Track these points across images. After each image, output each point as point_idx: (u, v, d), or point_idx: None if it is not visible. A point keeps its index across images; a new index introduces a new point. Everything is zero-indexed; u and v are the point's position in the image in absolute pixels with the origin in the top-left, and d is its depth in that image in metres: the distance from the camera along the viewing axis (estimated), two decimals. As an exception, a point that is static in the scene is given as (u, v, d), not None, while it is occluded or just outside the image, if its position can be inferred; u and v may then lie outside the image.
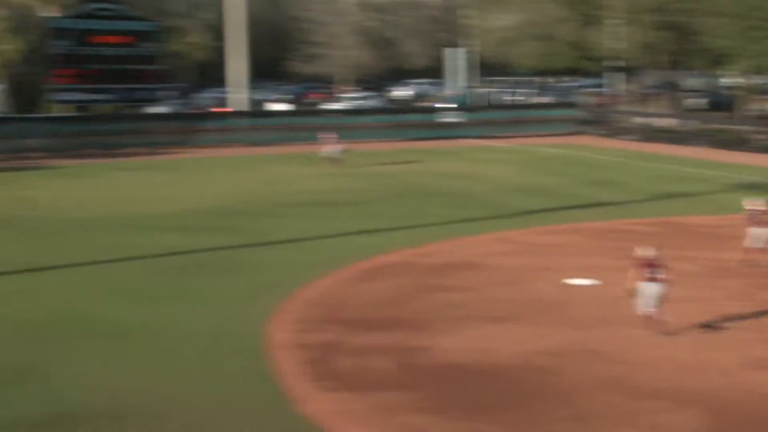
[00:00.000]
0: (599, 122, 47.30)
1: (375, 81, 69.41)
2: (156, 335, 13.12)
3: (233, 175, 32.20)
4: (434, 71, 63.90)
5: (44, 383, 11.19)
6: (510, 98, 58.40)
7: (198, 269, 17.29)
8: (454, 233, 20.68)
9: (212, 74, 62.03)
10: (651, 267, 12.47)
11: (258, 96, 59.93)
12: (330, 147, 34.09)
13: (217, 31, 57.53)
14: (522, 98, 58.71)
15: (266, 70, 67.58)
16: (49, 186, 29.09)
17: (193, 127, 42.48)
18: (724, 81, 57.64)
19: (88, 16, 42.04)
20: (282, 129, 43.67)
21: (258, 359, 12.07)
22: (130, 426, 9.95)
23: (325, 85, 66.13)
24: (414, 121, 47.24)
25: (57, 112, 43.34)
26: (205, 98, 56.71)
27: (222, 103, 50.91)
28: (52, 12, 44.54)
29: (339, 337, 12.93)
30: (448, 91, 52.25)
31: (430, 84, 65.41)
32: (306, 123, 40.66)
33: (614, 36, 51.75)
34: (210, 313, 14.21)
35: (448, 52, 53.56)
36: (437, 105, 49.87)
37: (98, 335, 13.15)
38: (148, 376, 11.45)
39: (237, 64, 46.23)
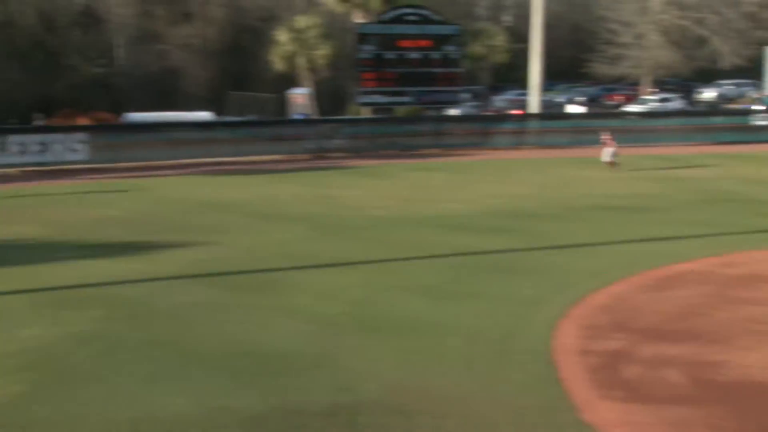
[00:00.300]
0: None
1: (679, 82, 66.63)
2: (445, 334, 13.30)
3: (524, 178, 32.14)
4: (746, 71, 60.29)
5: (335, 373, 11.67)
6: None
7: (487, 270, 17.37)
8: (761, 243, 19.32)
9: (507, 76, 62.40)
10: None
11: (556, 98, 59.53)
12: (608, 149, 33.17)
13: (515, 34, 57.76)
14: None
15: (565, 71, 66.97)
16: (349, 185, 30.48)
17: (487, 129, 42.90)
18: None
19: (395, 20, 43.61)
20: (575, 132, 43.04)
21: (543, 363, 11.89)
22: (413, 421, 10.13)
23: (628, 86, 64.34)
24: (720, 124, 44.81)
25: (359, 114, 45.43)
26: (499, 100, 57.13)
27: (517, 105, 51.06)
28: (361, 18, 46.68)
29: (628, 345, 12.45)
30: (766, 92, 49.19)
31: (737, 85, 61.79)
32: (600, 126, 39.77)
33: None
34: (497, 314, 14.21)
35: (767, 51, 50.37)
36: (752, 107, 47.02)
37: (390, 330, 13.54)
38: (434, 374, 11.62)
39: (534, 66, 46.13)
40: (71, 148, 33.88)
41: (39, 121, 43.49)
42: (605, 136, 34.18)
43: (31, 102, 49.16)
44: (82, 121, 43.06)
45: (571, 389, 10.91)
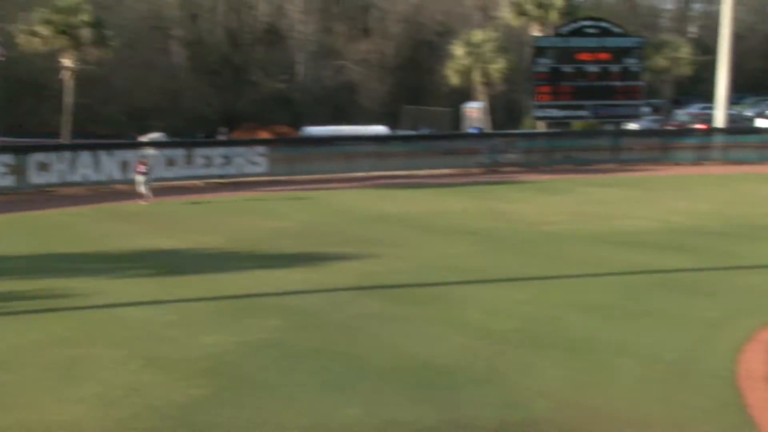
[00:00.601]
0: None
1: None
2: (619, 354, 12.87)
3: (708, 194, 30.82)
4: None
5: (505, 389, 11.49)
6: None
7: (665, 289, 16.73)
8: None
9: (690, 90, 60.22)
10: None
11: (745, 112, 56.92)
12: None
13: (700, 45, 55.68)
14: None
15: (755, 84, 64.00)
16: (522, 200, 30.12)
17: (668, 144, 41.48)
18: None
19: (574, 33, 42.88)
20: (762, 147, 40.99)
21: (727, 389, 11.30)
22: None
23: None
24: None
25: (532, 128, 44.91)
26: (682, 114, 55.19)
27: (702, 119, 49.14)
28: (538, 31, 46.20)
29: (821, 374, 11.67)
30: None
31: None
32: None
33: None
34: (676, 336, 13.64)
35: None
36: None
37: (562, 348, 13.23)
38: (607, 395, 11.25)
39: (721, 79, 44.31)
40: (252, 161, 35.06)
41: (222, 135, 45.29)
42: None
43: (217, 116, 51.31)
44: (263, 134, 44.54)
45: (758, 418, 10.30)
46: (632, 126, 45.83)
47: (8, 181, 30.55)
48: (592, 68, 42.81)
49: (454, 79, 46.66)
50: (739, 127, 46.46)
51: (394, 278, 17.83)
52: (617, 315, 14.98)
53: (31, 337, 13.69)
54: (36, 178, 31.16)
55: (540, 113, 43.63)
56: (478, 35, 46.15)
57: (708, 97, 49.48)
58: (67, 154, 32.02)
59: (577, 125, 45.43)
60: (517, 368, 12.32)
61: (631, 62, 42.99)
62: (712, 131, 43.45)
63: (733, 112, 48.36)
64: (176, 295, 16.29)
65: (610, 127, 44.07)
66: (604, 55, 42.88)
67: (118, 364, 12.50)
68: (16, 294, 16.37)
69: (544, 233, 23.28)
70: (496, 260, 19.85)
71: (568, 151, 40.78)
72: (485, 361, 12.68)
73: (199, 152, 34.63)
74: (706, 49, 52.47)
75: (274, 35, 60.12)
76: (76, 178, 31.88)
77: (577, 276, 18.03)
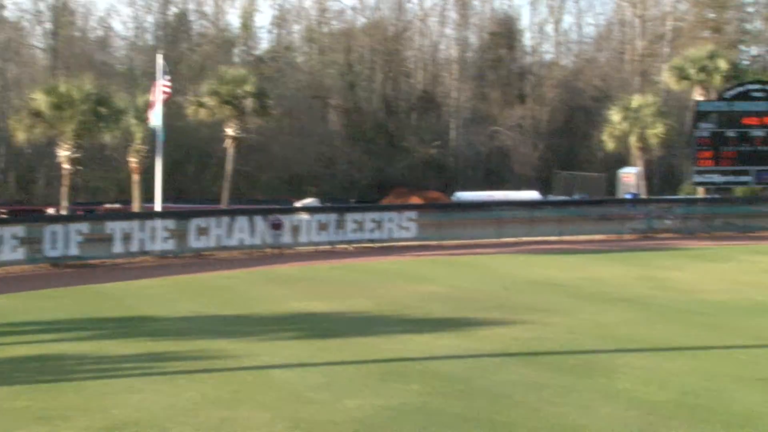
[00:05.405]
0: None
1: None
2: (781, 431, 12.13)
3: None
4: None
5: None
6: None
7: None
8: None
9: None
10: None
11: None
12: None
13: None
14: None
15: None
16: (680, 267, 29.12)
17: None
18: None
19: (738, 96, 41.66)
20: None
21: None
22: None
23: None
24: None
25: (693, 194, 43.58)
26: None
27: None
28: (700, 95, 45.11)
29: None
30: None
31: None
32: None
33: None
34: None
35: None
36: None
37: (722, 423, 12.57)
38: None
39: None
40: (402, 225, 35.43)
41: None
42: None
43: (369, 181, 52.25)
44: (414, 199, 44.97)
45: None
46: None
47: (170, 245, 31.91)
48: (758, 132, 41.38)
49: (609, 144, 45.98)
50: None
51: (544, 345, 17.47)
52: (782, 390, 14.14)
53: (185, 397, 14.07)
54: (195, 242, 32.43)
55: (700, 179, 42.39)
56: (636, 100, 45.45)
57: None
58: (225, 219, 33.22)
59: (739, 191, 43.82)
60: (670, 443, 11.77)
61: (800, 126, 41.37)
62: None
63: None
64: (323, 358, 16.45)
65: (772, 193, 42.30)
66: (768, 119, 41.43)
67: (264, 425, 12.66)
68: (171, 354, 16.92)
69: (705, 302, 22.38)
70: (652, 329, 19.17)
71: (730, 217, 39.31)
72: (635, 433, 12.18)
73: (351, 217, 35.23)
74: None
75: (429, 102, 61.14)
76: (233, 242, 33.00)
77: (740, 347, 17.19)
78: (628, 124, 44.29)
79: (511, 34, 65.33)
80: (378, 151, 55.39)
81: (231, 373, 15.63)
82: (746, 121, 41.37)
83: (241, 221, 33.13)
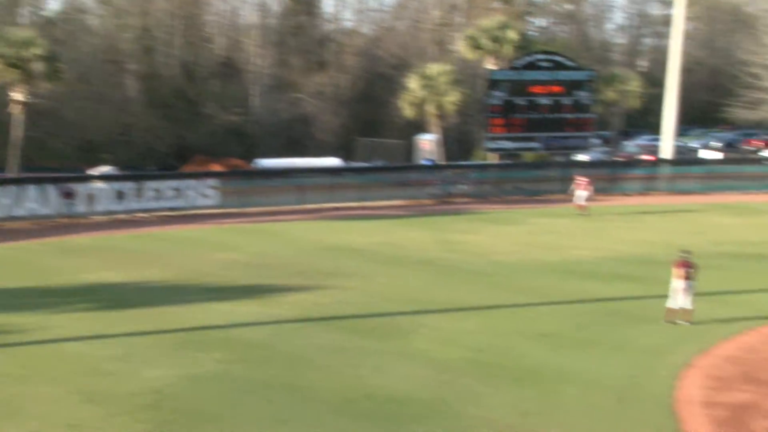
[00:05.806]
0: None
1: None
2: (564, 382, 12.99)
3: (654, 224, 31.27)
4: None
5: (452, 420, 11.52)
6: None
7: (610, 317, 16.93)
8: None
9: (639, 122, 61.17)
10: None
11: (690, 143, 57.97)
12: (580, 192, 33.77)
13: (649, 78, 56.64)
14: None
15: (700, 116, 65.20)
16: (473, 230, 30.28)
17: (617, 175, 42.04)
18: None
19: (527, 66, 43.42)
20: (709, 177, 41.70)
21: (665, 414, 11.44)
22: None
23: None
24: None
25: (485, 159, 45.26)
26: (631, 146, 56.06)
27: (649, 150, 49.95)
28: (492, 64, 46.67)
29: (756, 398, 11.86)
30: None
31: None
32: (734, 172, 38.37)
33: None
34: (619, 363, 13.79)
35: None
36: None
37: (509, 377, 13.32)
38: (552, 422, 11.33)
39: (669, 111, 45.10)
40: (203, 193, 34.93)
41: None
42: (579, 180, 34.19)
43: (169, 149, 51.07)
44: (215, 167, 44.37)
45: (693, 443, 10.45)
46: (582, 157, 46.40)
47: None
48: (545, 101, 43.31)
49: (407, 112, 46.91)
50: (685, 159, 47.26)
51: (344, 309, 17.83)
52: (563, 344, 15.11)
53: (-31, 373, 13.46)
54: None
55: (492, 145, 43.98)
56: (432, 68, 46.49)
57: (656, 129, 50.32)
58: (13, 188, 31.59)
59: (528, 157, 45.87)
60: (463, 397, 12.36)
61: (582, 95, 43.62)
62: (659, 162, 44.15)
63: (679, 143, 49.24)
64: (120, 329, 16.12)
65: (560, 159, 44.58)
66: (556, 88, 43.42)
67: (57, 399, 12.33)
68: (-44, 329, 16.10)
69: (496, 263, 23.42)
70: (447, 291, 19.92)
71: (519, 182, 41.13)
72: (432, 391, 12.71)
73: (150, 185, 34.35)
74: (655, 81, 53.42)
75: (230, 68, 60.15)
76: (22, 212, 31.44)
77: (526, 305, 18.16)
78: (426, 92, 45.33)
79: (311, 0, 65.34)
80: (178, 118, 54.11)
81: (21, 347, 15.07)
82: (534, 89, 43.26)
83: (32, 190, 31.63)
